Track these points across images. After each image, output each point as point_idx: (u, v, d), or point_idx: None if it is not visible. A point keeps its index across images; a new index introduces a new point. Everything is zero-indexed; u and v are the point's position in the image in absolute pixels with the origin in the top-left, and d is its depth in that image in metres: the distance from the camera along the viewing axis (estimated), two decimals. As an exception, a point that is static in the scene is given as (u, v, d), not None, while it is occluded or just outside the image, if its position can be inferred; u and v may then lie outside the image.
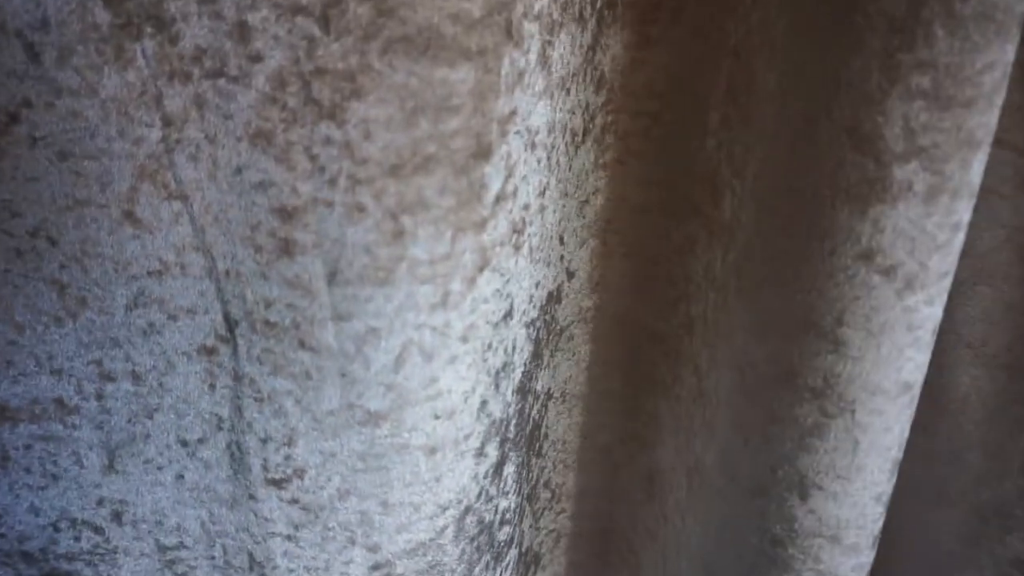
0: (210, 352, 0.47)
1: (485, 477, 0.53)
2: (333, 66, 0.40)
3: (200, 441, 0.49)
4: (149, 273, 0.45)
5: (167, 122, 0.42)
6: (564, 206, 0.57)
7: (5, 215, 0.43)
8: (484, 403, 0.50)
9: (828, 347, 0.48)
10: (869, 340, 0.48)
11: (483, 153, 0.43)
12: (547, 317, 0.60)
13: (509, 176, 0.46)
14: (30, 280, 0.45)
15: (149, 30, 0.40)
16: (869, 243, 0.45)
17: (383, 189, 0.42)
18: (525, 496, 0.64)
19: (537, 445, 0.66)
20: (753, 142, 0.51)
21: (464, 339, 0.46)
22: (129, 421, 0.48)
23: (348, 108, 0.41)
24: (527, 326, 0.55)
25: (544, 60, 0.48)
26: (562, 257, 0.60)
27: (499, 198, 0.46)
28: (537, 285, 0.56)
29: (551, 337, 0.62)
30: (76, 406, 0.48)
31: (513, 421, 0.56)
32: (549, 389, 0.65)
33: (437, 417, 0.47)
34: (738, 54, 0.54)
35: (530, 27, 0.44)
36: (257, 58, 0.40)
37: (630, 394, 0.67)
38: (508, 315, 0.50)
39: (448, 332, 0.45)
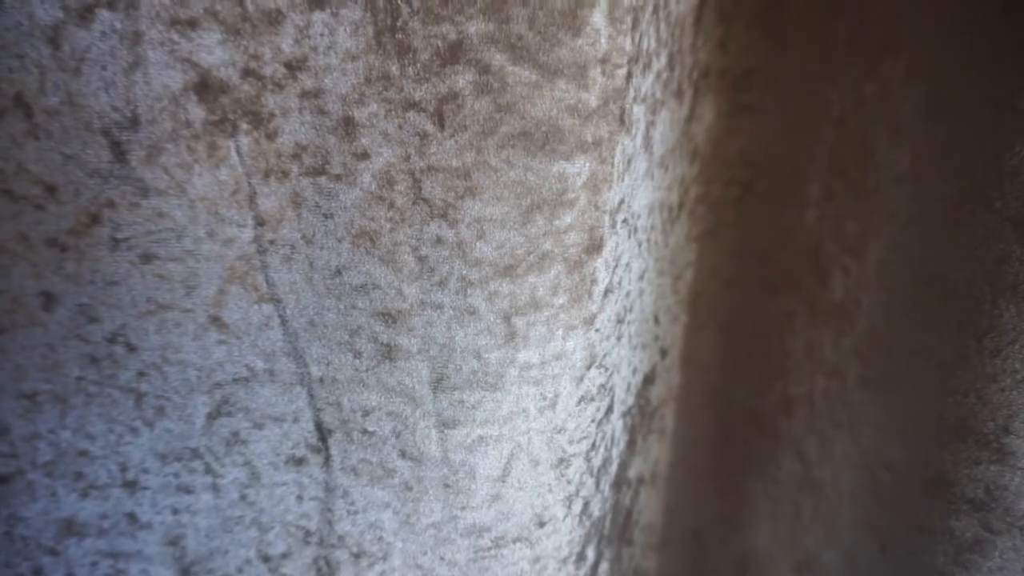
0: (299, 462, 0.43)
1: (582, 581, 0.49)
2: (447, 163, 0.37)
3: (284, 556, 0.45)
4: (235, 380, 0.41)
5: (260, 222, 0.39)
6: (660, 285, 0.54)
7: (81, 320, 0.40)
8: (586, 504, 0.46)
9: (991, 456, 0.44)
10: (1046, 451, 0.43)
11: (596, 247, 0.40)
12: (641, 402, 0.56)
13: (616, 266, 0.43)
14: (105, 388, 0.41)
15: (245, 126, 0.37)
16: None
17: (496, 291, 0.39)
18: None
19: (628, 534, 0.62)
20: (875, 222, 0.48)
21: (572, 441, 0.43)
22: (207, 536, 0.45)
23: (461, 207, 0.37)
24: (623, 416, 0.52)
25: (647, 142, 0.45)
26: (656, 337, 0.57)
27: (607, 291, 0.43)
28: (634, 371, 0.52)
29: (644, 420, 0.59)
30: (149, 521, 0.44)
31: (608, 517, 0.52)
32: (641, 474, 0.61)
33: (542, 525, 0.43)
34: (843, 124, 0.51)
35: (637, 111, 0.42)
36: (363, 155, 0.37)
37: (721, 473, 0.64)
38: (610, 409, 0.47)
39: (556, 436, 0.42)
